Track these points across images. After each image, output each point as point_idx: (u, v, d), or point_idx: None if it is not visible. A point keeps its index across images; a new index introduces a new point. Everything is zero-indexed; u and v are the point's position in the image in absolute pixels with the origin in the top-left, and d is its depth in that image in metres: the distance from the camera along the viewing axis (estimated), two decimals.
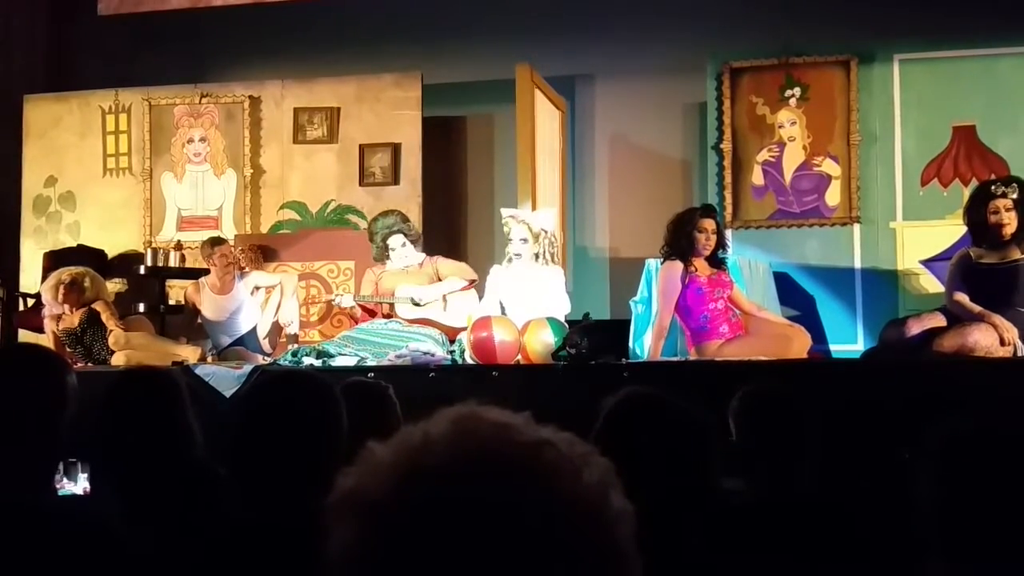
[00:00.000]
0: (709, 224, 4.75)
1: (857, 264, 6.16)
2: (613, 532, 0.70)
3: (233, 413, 2.04)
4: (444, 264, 5.50)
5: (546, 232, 5.11)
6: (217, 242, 5.89)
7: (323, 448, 1.76)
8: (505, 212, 5.21)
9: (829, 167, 6.25)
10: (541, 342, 4.55)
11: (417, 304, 5.26)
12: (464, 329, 4.85)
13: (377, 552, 0.69)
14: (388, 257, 5.45)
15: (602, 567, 0.69)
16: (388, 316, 5.31)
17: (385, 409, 2.58)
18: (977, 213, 4.41)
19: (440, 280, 5.40)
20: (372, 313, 5.42)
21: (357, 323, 5.36)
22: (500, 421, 0.73)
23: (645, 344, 5.02)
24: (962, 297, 4.33)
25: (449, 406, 0.76)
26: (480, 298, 5.17)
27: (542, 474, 0.69)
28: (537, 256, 5.06)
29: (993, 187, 4.43)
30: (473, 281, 5.37)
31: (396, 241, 5.41)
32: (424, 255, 5.52)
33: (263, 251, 6.34)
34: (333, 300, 5.58)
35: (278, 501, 1.72)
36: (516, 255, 5.03)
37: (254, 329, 5.74)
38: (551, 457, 0.71)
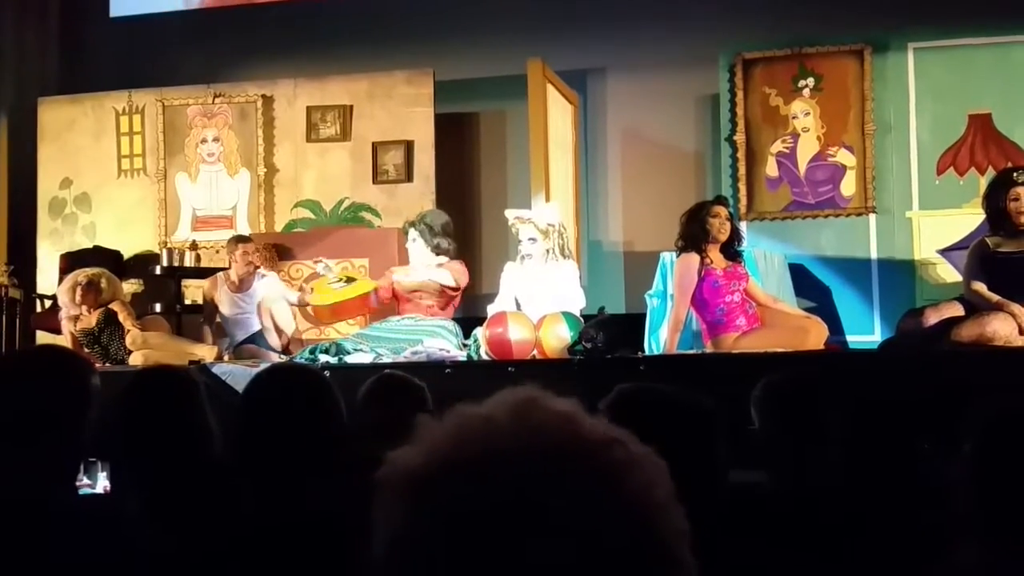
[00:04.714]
0: (722, 210, 4.75)
1: (873, 254, 6.12)
2: (673, 537, 0.69)
3: (236, 410, 2.06)
4: (449, 264, 5.46)
5: (554, 226, 5.06)
6: (242, 240, 5.96)
7: (322, 441, 1.78)
8: (510, 215, 5.13)
9: (844, 157, 6.22)
10: (556, 337, 4.54)
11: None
12: (449, 287, 4.96)
13: (424, 535, 0.67)
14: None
15: (658, 571, 0.68)
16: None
17: (420, 404, 2.64)
18: (997, 199, 4.38)
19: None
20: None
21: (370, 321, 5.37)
22: (564, 412, 0.71)
23: (661, 338, 5.00)
24: (980, 286, 4.29)
25: (467, 401, 0.74)
26: (459, 305, 5.19)
27: (609, 475, 0.68)
28: (549, 251, 5.03)
29: (1015, 174, 4.40)
30: (458, 288, 5.22)
31: (412, 234, 5.41)
32: (436, 259, 5.48)
33: (277, 250, 6.36)
34: (318, 270, 5.50)
35: (283, 495, 1.73)
36: (527, 255, 5.00)
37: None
38: (620, 457, 0.69)
